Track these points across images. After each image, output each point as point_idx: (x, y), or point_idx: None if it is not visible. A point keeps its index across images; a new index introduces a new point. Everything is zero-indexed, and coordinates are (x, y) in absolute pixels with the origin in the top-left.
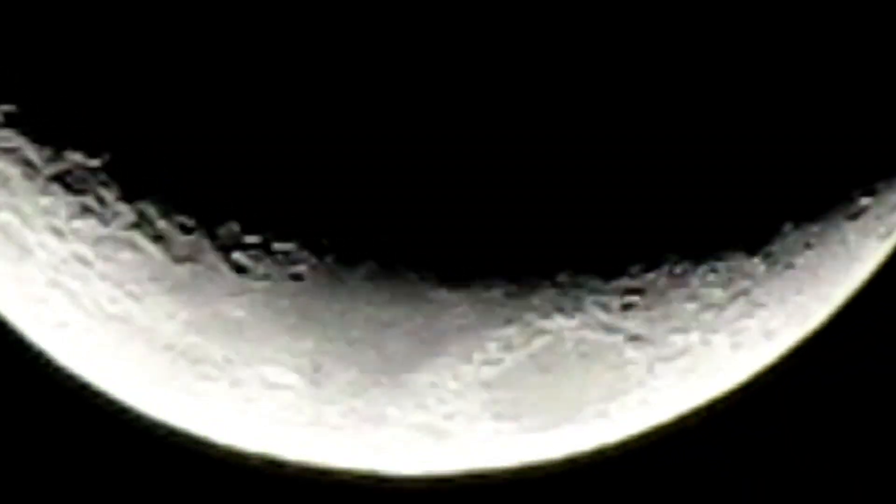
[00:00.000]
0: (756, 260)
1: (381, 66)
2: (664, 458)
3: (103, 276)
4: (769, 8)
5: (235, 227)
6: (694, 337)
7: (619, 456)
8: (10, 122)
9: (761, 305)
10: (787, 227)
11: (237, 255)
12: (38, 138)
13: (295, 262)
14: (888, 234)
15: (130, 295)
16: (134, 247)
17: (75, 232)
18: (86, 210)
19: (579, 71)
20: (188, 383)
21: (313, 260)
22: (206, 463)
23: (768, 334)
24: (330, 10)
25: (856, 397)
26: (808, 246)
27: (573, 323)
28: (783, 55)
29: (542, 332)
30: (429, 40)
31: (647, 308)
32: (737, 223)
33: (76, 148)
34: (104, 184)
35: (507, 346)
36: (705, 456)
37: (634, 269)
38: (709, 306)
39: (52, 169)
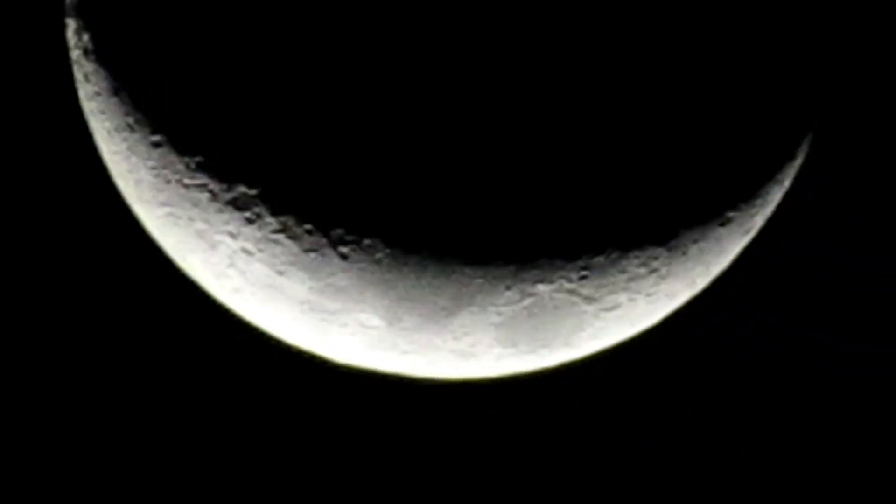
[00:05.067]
0: (663, 249)
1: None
2: (612, 371)
3: (261, 261)
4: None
5: (341, 230)
6: (624, 297)
7: (580, 369)
8: (201, 167)
9: (666, 278)
10: (683, 230)
11: (342, 248)
12: (218, 177)
13: (378, 252)
14: (746, 233)
15: (279, 272)
16: (279, 243)
17: (243, 234)
18: (248, 221)
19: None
20: (314, 325)
21: (389, 250)
22: (324, 373)
23: (670, 296)
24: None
25: (725, 338)
26: (694, 241)
27: (549, 288)
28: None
29: (530, 294)
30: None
31: (595, 279)
32: (652, 228)
33: (242, 182)
34: (259, 205)
35: (508, 303)
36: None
37: (587, 255)
38: (633, 278)
39: (227, 196)
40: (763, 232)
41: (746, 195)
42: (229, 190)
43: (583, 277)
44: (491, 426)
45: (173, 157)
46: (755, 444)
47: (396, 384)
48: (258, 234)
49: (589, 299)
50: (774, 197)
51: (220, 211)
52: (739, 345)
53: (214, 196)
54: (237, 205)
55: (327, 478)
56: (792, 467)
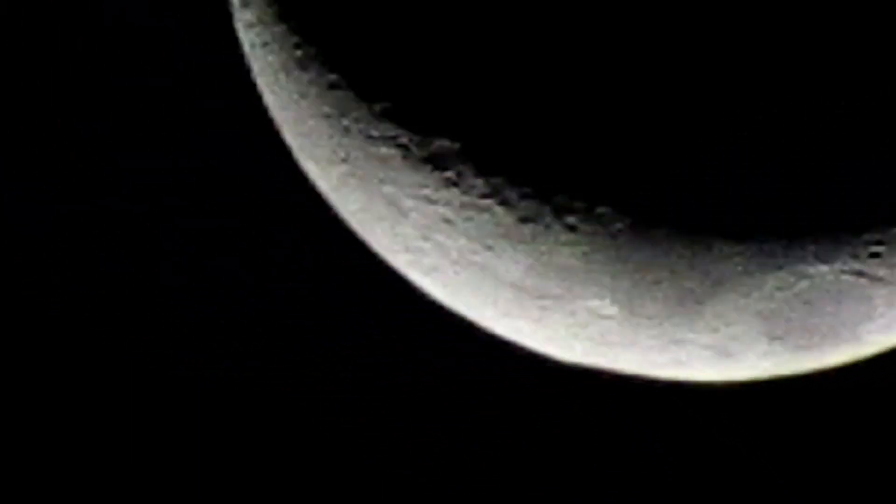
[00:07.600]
0: None
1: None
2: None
3: (464, 233)
4: None
5: (567, 196)
6: None
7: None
8: (388, 116)
9: None
10: None
11: (568, 218)
12: (412, 128)
13: (612, 222)
14: None
15: (486, 247)
16: (488, 211)
17: (442, 199)
18: (450, 182)
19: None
20: (531, 313)
21: (627, 221)
22: (546, 374)
23: None
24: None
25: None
26: None
27: (830, 269)
28: None
29: (806, 276)
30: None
31: (890, 256)
32: None
33: (442, 134)
34: (464, 162)
35: (778, 287)
36: None
37: (880, 225)
38: None
39: (423, 151)
40: None
41: None
42: (425, 144)
43: (874, 255)
44: (491, 426)
45: (354, 102)
46: (755, 444)
47: (628, 389)
48: (462, 200)
49: (882, 281)
50: None
51: (414, 170)
52: None
53: (407, 151)
54: (436, 163)
55: (327, 478)
56: (792, 467)
